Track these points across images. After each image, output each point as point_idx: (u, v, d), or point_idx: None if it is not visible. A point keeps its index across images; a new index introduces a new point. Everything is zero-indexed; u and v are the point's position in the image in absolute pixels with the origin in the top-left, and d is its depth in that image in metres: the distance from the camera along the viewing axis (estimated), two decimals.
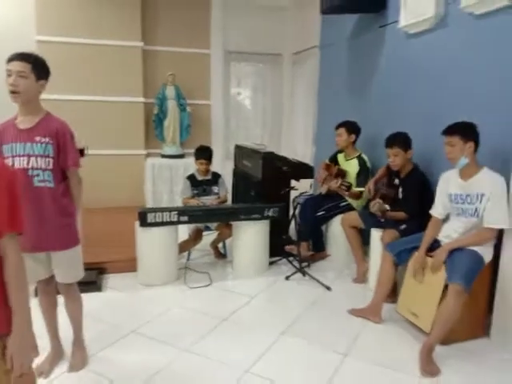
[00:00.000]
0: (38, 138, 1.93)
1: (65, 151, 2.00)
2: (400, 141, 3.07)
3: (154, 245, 3.29)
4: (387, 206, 3.08)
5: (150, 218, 3.22)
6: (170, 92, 5.29)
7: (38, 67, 1.93)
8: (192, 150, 5.40)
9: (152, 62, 5.39)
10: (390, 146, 3.09)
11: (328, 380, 2.18)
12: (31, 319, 1.27)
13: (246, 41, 5.76)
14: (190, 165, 5.32)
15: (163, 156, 5.45)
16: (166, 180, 5.30)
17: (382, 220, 3.15)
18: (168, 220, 3.28)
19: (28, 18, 4.82)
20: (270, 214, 3.47)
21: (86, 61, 5.01)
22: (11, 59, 1.88)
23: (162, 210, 3.33)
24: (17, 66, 1.87)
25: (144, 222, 3.22)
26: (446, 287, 2.36)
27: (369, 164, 3.74)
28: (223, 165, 5.57)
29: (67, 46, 4.92)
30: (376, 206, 3.09)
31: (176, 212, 3.31)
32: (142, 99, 5.25)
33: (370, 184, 3.32)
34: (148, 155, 5.45)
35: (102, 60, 5.04)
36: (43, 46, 4.82)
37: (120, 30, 5.06)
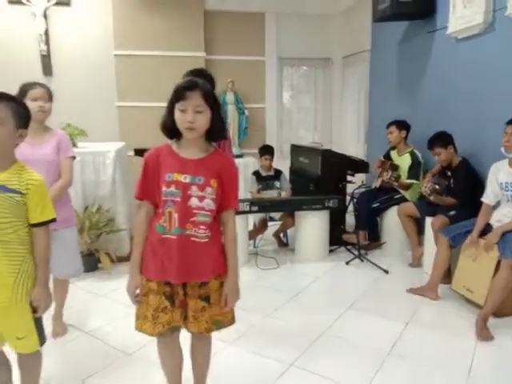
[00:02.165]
0: None
1: None
2: (437, 141, 3.42)
3: None
4: (437, 186, 3.39)
5: None
6: (230, 97, 5.78)
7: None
8: (249, 150, 5.95)
9: (212, 70, 5.77)
10: (430, 148, 3.48)
11: (394, 342, 2.53)
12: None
13: (298, 47, 6.18)
14: (248, 163, 5.79)
15: None
16: None
17: (431, 197, 3.44)
18: (241, 209, 3.72)
19: (106, 36, 5.44)
20: (331, 204, 3.85)
21: (156, 71, 5.58)
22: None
23: None
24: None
25: None
26: (498, 264, 2.66)
27: (421, 159, 4.04)
28: (277, 164, 5.97)
29: (140, 58, 5.51)
30: (427, 187, 3.42)
31: (248, 203, 3.76)
32: None
33: (428, 174, 3.63)
34: None
35: (169, 70, 5.56)
36: (119, 59, 5.47)
37: (185, 42, 5.60)
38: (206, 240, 1.61)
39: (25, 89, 2.40)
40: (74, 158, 2.55)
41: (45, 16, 5.15)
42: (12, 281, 1.57)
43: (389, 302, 3.09)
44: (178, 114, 1.54)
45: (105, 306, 3.04)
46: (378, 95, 5.28)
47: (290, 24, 6.11)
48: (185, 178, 1.56)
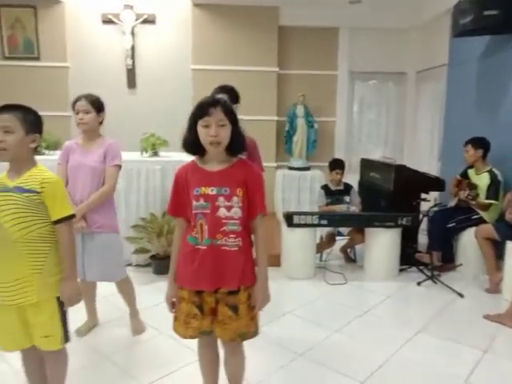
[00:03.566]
0: None
1: None
2: None
3: (298, 243, 3.79)
4: None
5: (296, 219, 3.73)
6: (300, 111, 5.84)
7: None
8: (317, 163, 5.96)
9: (284, 84, 6.00)
10: None
11: (470, 371, 2.42)
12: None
13: (371, 61, 6.11)
14: (315, 176, 5.80)
15: (290, 168, 5.99)
16: (293, 189, 5.82)
17: None
18: (310, 222, 3.75)
19: (185, 51, 5.74)
20: (404, 222, 3.76)
21: (231, 84, 5.78)
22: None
23: (306, 213, 3.82)
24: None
25: (290, 223, 3.74)
26: None
27: (500, 177, 3.83)
28: (345, 177, 5.93)
29: (215, 72, 5.72)
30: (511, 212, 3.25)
31: (317, 216, 3.78)
32: (275, 118, 5.88)
33: (509, 194, 3.45)
34: (277, 167, 6.05)
35: (243, 84, 5.65)
36: (196, 73, 5.75)
37: (260, 58, 5.76)
38: (236, 249, 1.68)
39: (73, 102, 2.58)
40: (119, 166, 2.62)
41: (132, 33, 5.56)
42: (38, 278, 1.68)
43: (464, 328, 2.95)
44: (201, 130, 1.63)
45: None
46: (454, 111, 5.09)
47: (363, 38, 6.07)
48: (211, 191, 1.65)
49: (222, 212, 1.64)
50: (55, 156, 3.93)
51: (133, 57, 5.62)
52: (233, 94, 2.68)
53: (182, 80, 5.76)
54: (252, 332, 1.78)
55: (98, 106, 2.58)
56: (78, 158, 2.57)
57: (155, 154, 3.94)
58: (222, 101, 1.66)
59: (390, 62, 6.14)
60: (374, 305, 3.30)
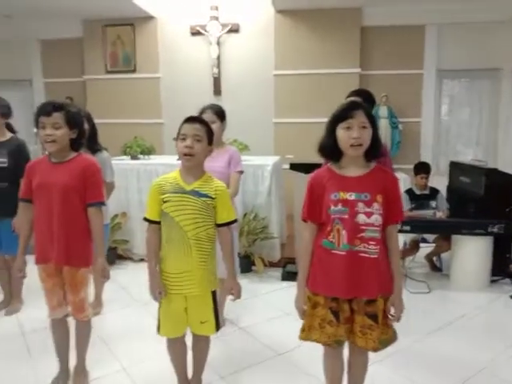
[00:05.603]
0: None
1: None
2: None
3: None
4: None
5: None
6: (383, 112, 5.70)
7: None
8: (401, 166, 5.75)
9: (367, 84, 5.85)
10: None
11: None
12: None
13: (461, 58, 5.77)
14: (400, 179, 5.59)
15: None
16: None
17: None
18: None
19: (268, 58, 5.89)
20: (495, 230, 3.51)
21: (311, 88, 5.83)
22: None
23: None
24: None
25: None
26: None
27: None
28: (432, 180, 5.64)
29: (297, 76, 5.83)
30: None
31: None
32: None
33: None
34: None
35: (324, 86, 5.76)
36: (278, 79, 5.88)
37: (341, 60, 5.73)
38: (376, 256, 1.63)
39: (199, 113, 2.71)
40: (241, 172, 2.79)
41: (218, 43, 5.84)
42: (201, 273, 1.89)
43: None
44: (342, 133, 1.63)
45: (257, 305, 3.30)
46: None
47: (452, 34, 5.75)
48: (350, 196, 1.63)
49: (361, 218, 1.62)
50: (150, 161, 4.31)
51: (218, 65, 5.92)
52: (368, 98, 2.62)
53: (265, 86, 5.93)
54: (391, 337, 1.79)
55: (221, 115, 2.77)
56: (207, 164, 2.79)
57: None
58: (363, 103, 1.71)
59: (483, 58, 5.75)
60: (459, 316, 3.13)
